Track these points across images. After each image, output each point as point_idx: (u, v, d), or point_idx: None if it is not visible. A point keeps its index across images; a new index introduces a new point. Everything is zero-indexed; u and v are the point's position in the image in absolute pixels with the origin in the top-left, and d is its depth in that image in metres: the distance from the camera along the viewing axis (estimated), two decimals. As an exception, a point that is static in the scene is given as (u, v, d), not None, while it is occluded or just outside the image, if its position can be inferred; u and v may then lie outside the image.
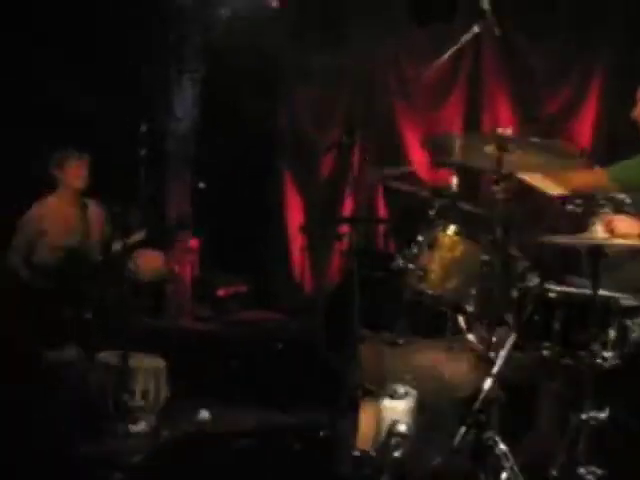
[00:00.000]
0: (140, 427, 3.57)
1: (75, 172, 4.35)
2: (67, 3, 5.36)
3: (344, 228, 5.12)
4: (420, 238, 3.02)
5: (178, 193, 5.94)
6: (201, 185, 6.31)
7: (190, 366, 4.38)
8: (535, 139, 2.90)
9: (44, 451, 3.17)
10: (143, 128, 5.41)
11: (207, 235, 6.05)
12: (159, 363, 3.66)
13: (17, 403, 3.53)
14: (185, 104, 5.93)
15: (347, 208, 5.86)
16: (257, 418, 3.84)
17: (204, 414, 3.51)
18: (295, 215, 6.30)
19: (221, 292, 5.92)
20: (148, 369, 3.55)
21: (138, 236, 4.00)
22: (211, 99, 6.07)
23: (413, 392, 2.93)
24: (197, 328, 5.57)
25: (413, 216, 3.87)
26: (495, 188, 2.84)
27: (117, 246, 3.88)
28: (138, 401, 3.50)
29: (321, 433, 3.32)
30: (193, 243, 5.99)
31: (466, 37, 3.39)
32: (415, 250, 3.02)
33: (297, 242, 6.09)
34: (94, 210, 4.41)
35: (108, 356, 3.64)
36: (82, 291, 3.92)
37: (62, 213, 4.34)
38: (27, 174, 4.79)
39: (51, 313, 3.86)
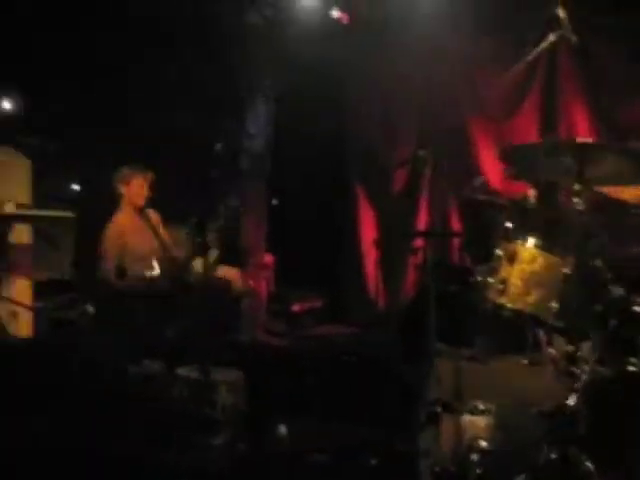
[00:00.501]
0: (220, 440, 3.62)
1: (138, 190, 4.52)
2: (149, 26, 5.56)
3: (419, 242, 5.10)
4: (499, 251, 2.98)
5: (253, 210, 6.02)
6: (274, 202, 6.40)
7: (265, 380, 4.44)
8: (617, 145, 2.83)
9: (125, 463, 3.25)
10: (218, 147, 5.55)
11: (282, 251, 6.13)
12: (238, 377, 3.72)
13: (101, 415, 3.65)
14: (259, 122, 6.03)
15: (421, 222, 5.83)
16: (333, 433, 3.84)
17: (282, 429, 3.53)
18: (369, 230, 6.30)
19: (296, 307, 5.97)
20: (228, 383, 3.61)
21: (214, 254, 4.10)
22: (284, 116, 6.15)
23: (493, 408, 2.89)
24: (272, 343, 5.63)
25: (488, 229, 3.83)
26: (575, 199, 2.79)
27: (197, 264, 3.98)
28: (218, 414, 3.55)
29: (399, 448, 3.29)
30: (268, 259, 6.08)
31: (542, 46, 3.35)
32: (494, 264, 2.99)
33: (371, 257, 6.09)
34: (153, 216, 4.61)
35: (189, 370, 3.72)
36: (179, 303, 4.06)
37: (134, 225, 4.52)
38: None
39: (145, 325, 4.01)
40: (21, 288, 5.82)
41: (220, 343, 4.32)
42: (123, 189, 4.57)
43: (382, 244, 5.83)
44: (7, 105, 5.85)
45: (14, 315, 5.46)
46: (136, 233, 4.52)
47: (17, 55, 5.60)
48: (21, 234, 5.38)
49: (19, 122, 5.61)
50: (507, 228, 3.04)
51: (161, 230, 4.66)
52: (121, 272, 4.24)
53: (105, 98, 5.72)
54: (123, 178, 4.58)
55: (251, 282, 5.52)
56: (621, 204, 3.34)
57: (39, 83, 5.53)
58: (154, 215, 4.70)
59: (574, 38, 3.25)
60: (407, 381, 4.04)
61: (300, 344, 5.43)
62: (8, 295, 5.14)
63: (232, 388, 3.64)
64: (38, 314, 5.34)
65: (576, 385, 2.68)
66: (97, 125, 5.85)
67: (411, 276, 5.89)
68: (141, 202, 4.56)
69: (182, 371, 3.74)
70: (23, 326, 5.87)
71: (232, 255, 5.19)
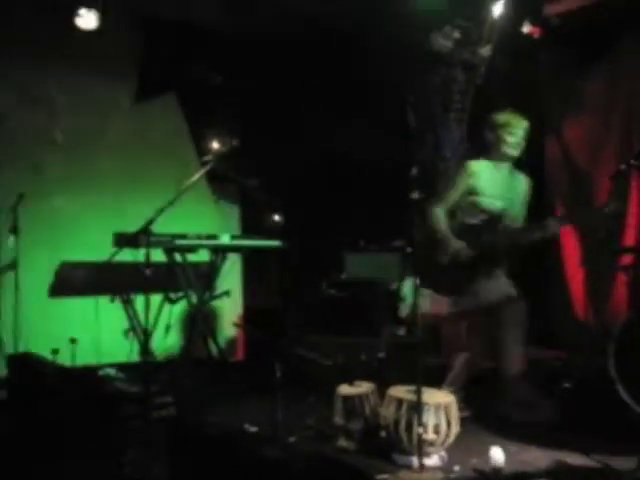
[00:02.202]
0: (433, 461, 3.63)
1: (509, 138, 4.35)
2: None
3: (628, 259, 4.83)
4: None
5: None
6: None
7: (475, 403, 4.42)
8: None
9: None
10: (414, 171, 5.61)
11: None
12: (450, 398, 3.71)
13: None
14: (452, 143, 6.04)
15: (629, 238, 5.51)
16: (553, 459, 3.71)
17: (497, 453, 3.46)
18: (573, 252, 6.05)
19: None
20: (440, 404, 3.61)
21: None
22: (478, 136, 6.12)
23: None
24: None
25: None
26: None
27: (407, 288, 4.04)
28: (431, 435, 3.56)
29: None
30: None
31: None
32: None
33: (578, 278, 5.84)
34: (523, 181, 4.51)
35: (400, 390, 3.78)
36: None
37: (493, 176, 4.42)
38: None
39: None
40: (232, 311, 6.25)
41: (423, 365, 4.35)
42: (493, 136, 4.40)
43: (589, 264, 5.58)
44: (216, 144, 6.35)
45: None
46: (489, 183, 4.40)
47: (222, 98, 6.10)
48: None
49: (229, 160, 6.07)
50: None
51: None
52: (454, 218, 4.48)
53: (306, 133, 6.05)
54: (494, 124, 4.39)
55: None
56: None
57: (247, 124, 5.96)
58: (524, 181, 4.54)
59: None
60: (628, 405, 3.82)
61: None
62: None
63: (444, 409, 3.63)
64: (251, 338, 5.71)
65: None
66: (293, 156, 6.20)
67: (621, 295, 5.55)
68: (513, 152, 4.40)
69: (393, 391, 3.79)
70: (236, 349, 6.28)
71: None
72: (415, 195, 4.80)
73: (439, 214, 4.41)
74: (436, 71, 6.10)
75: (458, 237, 4.34)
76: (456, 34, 6.02)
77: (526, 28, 5.88)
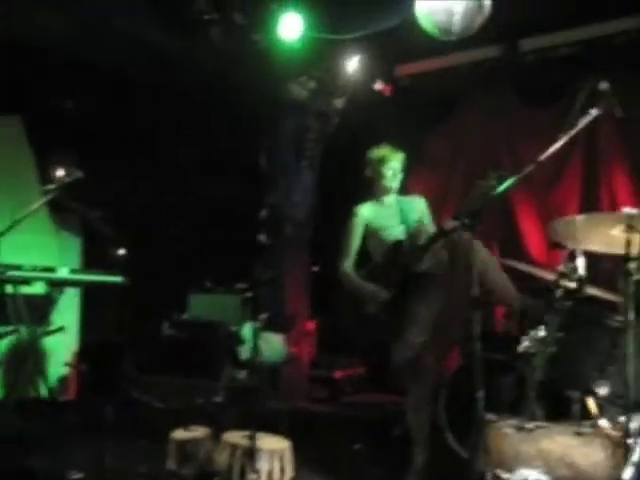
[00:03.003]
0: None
1: (387, 172, 4.40)
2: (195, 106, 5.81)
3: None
4: (548, 320, 2.99)
5: (295, 277, 6.11)
6: (315, 268, 6.48)
7: (310, 447, 4.43)
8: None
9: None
10: (263, 214, 5.68)
11: (325, 317, 6.17)
12: (284, 444, 3.72)
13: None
14: (303, 189, 6.17)
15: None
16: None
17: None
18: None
19: (338, 374, 5.96)
20: (274, 449, 3.61)
21: (262, 319, 4.14)
22: (326, 184, 6.30)
23: (544, 479, 2.84)
24: (314, 409, 5.61)
25: (535, 299, 3.83)
26: (625, 269, 2.80)
27: (246, 329, 4.02)
28: (264, 481, 3.54)
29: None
30: (310, 326, 6.12)
31: (584, 121, 3.41)
32: (543, 333, 2.99)
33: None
34: (415, 201, 4.52)
35: (234, 436, 3.74)
36: None
37: (382, 209, 4.46)
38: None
39: None
40: (67, 349, 5.95)
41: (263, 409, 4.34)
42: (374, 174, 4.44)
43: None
44: (61, 173, 6.09)
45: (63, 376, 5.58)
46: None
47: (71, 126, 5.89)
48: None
49: (72, 189, 5.84)
50: (555, 298, 3.05)
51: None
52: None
53: (153, 165, 5.95)
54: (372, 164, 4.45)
55: (294, 348, 5.55)
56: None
57: (91, 153, 5.77)
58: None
59: (619, 112, 3.29)
60: (456, 450, 4.00)
61: (343, 411, 5.41)
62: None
63: (278, 455, 3.63)
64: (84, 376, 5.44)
65: (628, 457, 2.63)
66: (142, 191, 6.07)
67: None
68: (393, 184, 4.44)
69: (228, 436, 3.76)
70: (68, 388, 5.97)
71: (276, 321, 5.25)
72: (263, 238, 4.83)
73: (346, 271, 4.35)
74: (291, 119, 6.23)
75: (373, 280, 4.28)
76: (312, 84, 6.20)
77: (378, 85, 6.18)
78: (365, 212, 4.45)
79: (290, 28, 5.30)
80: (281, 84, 6.03)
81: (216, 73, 5.68)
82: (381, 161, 4.38)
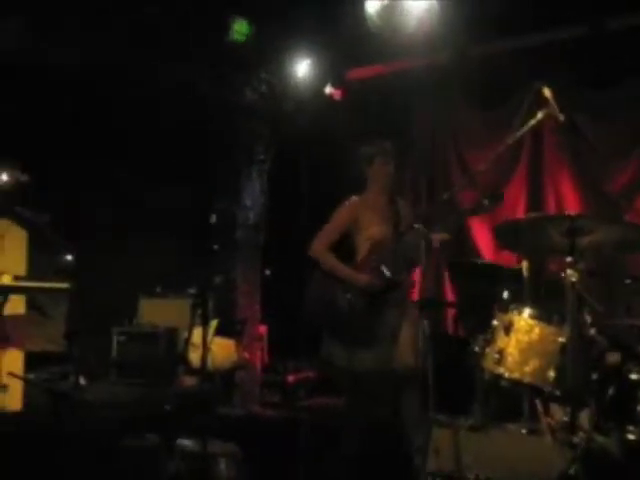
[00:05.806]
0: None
1: (383, 169, 4.33)
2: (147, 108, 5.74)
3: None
4: (495, 322, 3.04)
5: (247, 281, 6.08)
6: (267, 272, 6.47)
7: (261, 453, 4.40)
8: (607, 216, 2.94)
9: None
10: (213, 218, 5.64)
11: (276, 322, 6.16)
12: (235, 450, 3.69)
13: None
14: (253, 193, 6.16)
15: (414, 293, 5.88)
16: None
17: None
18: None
19: (290, 378, 5.95)
20: (226, 456, 3.58)
21: (212, 324, 4.11)
22: (277, 188, 6.30)
23: (492, 477, 2.89)
24: (266, 414, 5.59)
25: (481, 300, 3.88)
26: (568, 270, 2.87)
27: (196, 335, 3.97)
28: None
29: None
30: (262, 330, 6.10)
31: (529, 125, 3.48)
32: (490, 334, 3.04)
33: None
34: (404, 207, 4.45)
35: (186, 443, 3.69)
36: None
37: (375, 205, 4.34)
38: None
39: None
40: (12, 359, 5.80)
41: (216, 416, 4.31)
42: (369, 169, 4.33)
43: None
44: (4, 177, 5.95)
45: (5, 387, 5.42)
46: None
47: (16, 130, 5.75)
48: (16, 305, 5.39)
49: (16, 194, 5.70)
50: (502, 299, 3.11)
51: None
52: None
53: (102, 170, 5.86)
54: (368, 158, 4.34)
55: (246, 354, 5.52)
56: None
57: (37, 158, 5.65)
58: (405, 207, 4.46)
59: (561, 116, 3.37)
60: (406, 451, 4.03)
61: (295, 415, 5.39)
62: (-1, 367, 5.08)
63: (231, 461, 3.61)
64: (30, 386, 5.30)
65: (575, 454, 2.69)
66: (91, 197, 5.97)
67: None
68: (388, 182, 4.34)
69: (180, 444, 3.71)
70: (14, 398, 5.81)
71: (227, 326, 5.22)
72: (213, 243, 4.78)
73: (324, 249, 4.23)
74: (242, 123, 6.21)
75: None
76: (262, 88, 6.18)
77: (328, 89, 6.19)
78: (357, 206, 4.35)
79: (240, 32, 5.28)
80: (232, 88, 6.00)
81: (166, 77, 5.63)
82: (371, 159, 4.32)
